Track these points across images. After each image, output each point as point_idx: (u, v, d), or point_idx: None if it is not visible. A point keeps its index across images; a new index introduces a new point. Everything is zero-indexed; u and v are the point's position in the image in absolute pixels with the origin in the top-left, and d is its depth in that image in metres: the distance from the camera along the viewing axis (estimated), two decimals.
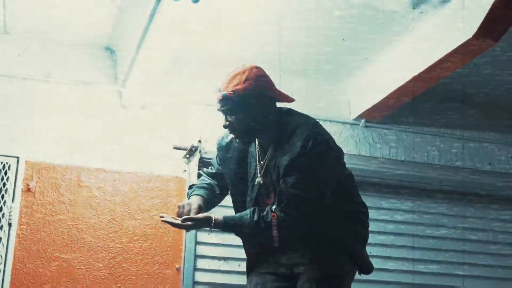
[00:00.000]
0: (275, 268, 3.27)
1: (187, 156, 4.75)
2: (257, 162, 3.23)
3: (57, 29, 4.63)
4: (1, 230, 4.24)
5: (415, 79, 4.67)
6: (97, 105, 4.76)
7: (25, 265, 4.28)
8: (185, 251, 4.62)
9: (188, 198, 3.25)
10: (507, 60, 4.84)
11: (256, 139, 3.22)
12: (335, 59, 4.95)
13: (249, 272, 3.36)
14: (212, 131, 4.65)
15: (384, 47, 4.77)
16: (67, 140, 4.60)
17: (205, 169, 3.45)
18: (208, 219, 3.03)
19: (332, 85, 5.29)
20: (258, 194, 3.25)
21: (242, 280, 4.64)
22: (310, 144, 2.96)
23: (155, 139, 4.77)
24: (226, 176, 3.38)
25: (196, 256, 4.65)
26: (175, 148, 4.68)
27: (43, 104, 4.61)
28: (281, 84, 3.18)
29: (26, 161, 4.42)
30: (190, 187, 3.37)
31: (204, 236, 4.70)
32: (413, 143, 5.51)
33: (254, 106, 3.06)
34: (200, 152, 4.57)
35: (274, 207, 2.96)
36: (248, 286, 3.35)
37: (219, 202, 3.41)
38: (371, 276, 3.24)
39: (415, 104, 5.26)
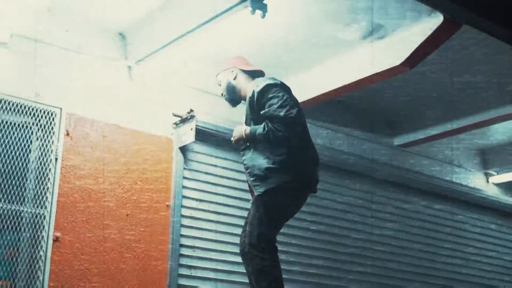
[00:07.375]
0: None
1: (177, 122, 6.25)
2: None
3: (91, 13, 5.84)
4: (51, 163, 5.46)
5: (341, 88, 6.43)
6: (113, 75, 6.07)
7: (67, 188, 5.53)
8: (174, 191, 6.11)
9: None
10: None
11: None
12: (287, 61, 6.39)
13: None
14: (200, 107, 6.26)
15: (325, 60, 6.39)
16: (93, 99, 5.87)
17: None
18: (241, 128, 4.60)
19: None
20: None
21: (209, 216, 6.32)
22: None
23: (155, 106, 6.23)
24: None
25: (183, 197, 6.16)
26: (174, 115, 6.13)
27: (77, 70, 5.84)
28: None
29: (66, 112, 5.64)
30: None
31: (187, 182, 6.26)
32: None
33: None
34: (195, 119, 6.06)
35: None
36: None
37: None
38: None
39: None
